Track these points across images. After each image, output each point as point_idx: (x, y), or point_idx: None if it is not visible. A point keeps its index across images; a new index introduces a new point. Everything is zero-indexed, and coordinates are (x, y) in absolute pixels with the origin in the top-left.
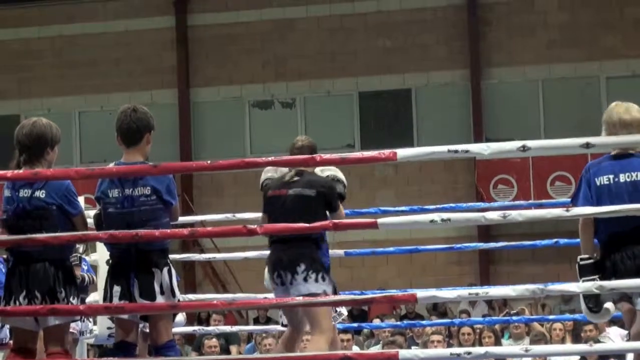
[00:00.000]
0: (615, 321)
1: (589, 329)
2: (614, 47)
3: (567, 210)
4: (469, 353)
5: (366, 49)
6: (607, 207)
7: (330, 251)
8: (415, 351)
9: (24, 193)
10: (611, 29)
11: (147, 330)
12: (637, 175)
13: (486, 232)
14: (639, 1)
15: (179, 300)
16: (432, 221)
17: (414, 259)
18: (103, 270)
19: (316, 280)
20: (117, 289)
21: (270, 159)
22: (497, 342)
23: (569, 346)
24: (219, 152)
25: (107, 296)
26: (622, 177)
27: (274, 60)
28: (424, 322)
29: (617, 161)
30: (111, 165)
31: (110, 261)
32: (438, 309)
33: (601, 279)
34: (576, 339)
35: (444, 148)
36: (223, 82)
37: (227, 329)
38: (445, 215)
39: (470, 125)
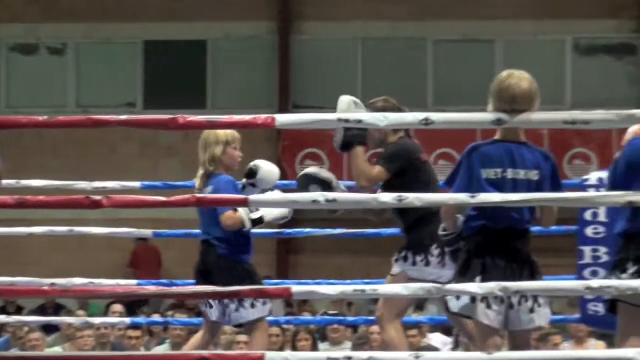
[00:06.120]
0: (437, 327)
1: (412, 334)
2: (444, 5)
3: (473, 197)
4: (350, 358)
5: None
6: (513, 195)
7: (136, 230)
8: (285, 354)
9: None
10: None
11: None
12: (525, 174)
13: None
14: None
15: None
16: (314, 201)
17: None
18: None
19: None
20: None
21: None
22: (315, 347)
23: (471, 354)
24: None
25: None
26: (511, 173)
27: None
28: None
29: (506, 150)
30: None
31: None
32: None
33: (466, 276)
34: None
35: (332, 116)
36: None
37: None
38: (331, 195)
39: (276, 87)
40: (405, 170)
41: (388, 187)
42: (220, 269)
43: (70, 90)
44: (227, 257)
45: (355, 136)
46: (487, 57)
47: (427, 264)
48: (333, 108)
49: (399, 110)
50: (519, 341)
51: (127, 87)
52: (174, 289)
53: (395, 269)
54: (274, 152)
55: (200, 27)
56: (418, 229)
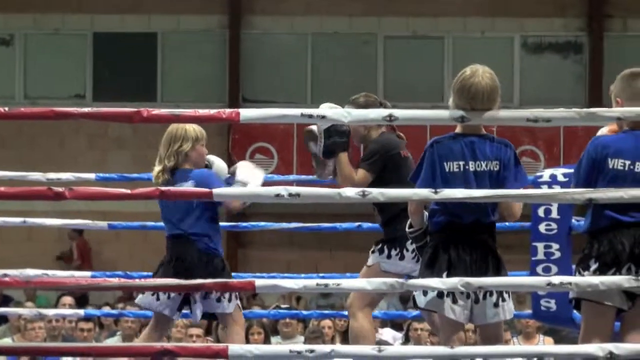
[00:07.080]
0: (387, 322)
1: None
2: (394, 2)
3: (436, 192)
4: (312, 351)
5: None
6: (476, 191)
7: (91, 222)
8: (248, 347)
9: None
10: None
11: None
12: (486, 165)
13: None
14: None
15: None
16: (277, 195)
17: (149, 237)
18: None
19: None
20: None
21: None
22: (267, 340)
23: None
24: None
25: None
26: (472, 166)
27: None
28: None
29: (467, 143)
30: None
31: None
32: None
33: (432, 271)
34: (345, 341)
35: (296, 111)
36: None
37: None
38: (293, 189)
39: (226, 80)
40: (385, 166)
41: (371, 184)
42: (202, 264)
43: (17, 81)
44: (208, 251)
45: (337, 144)
46: (437, 54)
47: (402, 257)
48: (283, 102)
49: (381, 105)
50: (487, 335)
51: (75, 79)
52: (138, 282)
53: (370, 260)
54: (224, 145)
55: (150, 19)
56: (396, 223)
